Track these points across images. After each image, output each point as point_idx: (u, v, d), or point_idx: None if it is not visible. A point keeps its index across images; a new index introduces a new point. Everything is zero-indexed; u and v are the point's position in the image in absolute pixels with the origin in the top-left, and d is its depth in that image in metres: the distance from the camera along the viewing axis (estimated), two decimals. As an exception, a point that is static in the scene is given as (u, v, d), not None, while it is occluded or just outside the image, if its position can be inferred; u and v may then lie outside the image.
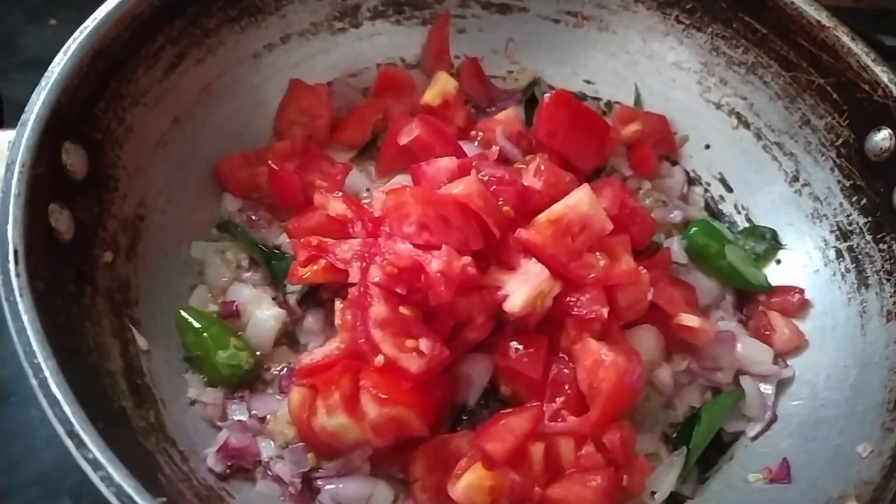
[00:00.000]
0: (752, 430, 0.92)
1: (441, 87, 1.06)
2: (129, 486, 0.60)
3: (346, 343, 0.82)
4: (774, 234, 1.02)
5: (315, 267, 0.87)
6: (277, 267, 0.94)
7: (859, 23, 1.07)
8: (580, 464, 0.83)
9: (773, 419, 0.92)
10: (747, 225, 1.04)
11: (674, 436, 0.91)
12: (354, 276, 0.84)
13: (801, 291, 0.98)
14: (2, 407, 0.97)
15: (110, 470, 0.60)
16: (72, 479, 0.92)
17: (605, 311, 0.84)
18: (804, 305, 0.97)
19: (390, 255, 0.82)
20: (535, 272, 0.84)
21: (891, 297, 0.90)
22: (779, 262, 1.01)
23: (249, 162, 0.99)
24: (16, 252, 0.68)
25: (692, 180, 1.09)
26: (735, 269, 0.99)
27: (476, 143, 1.03)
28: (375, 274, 0.82)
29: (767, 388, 0.93)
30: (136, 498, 0.60)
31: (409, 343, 0.80)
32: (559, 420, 0.83)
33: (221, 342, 0.88)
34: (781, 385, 0.94)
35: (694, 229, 1.01)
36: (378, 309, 0.81)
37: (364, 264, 0.83)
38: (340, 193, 0.94)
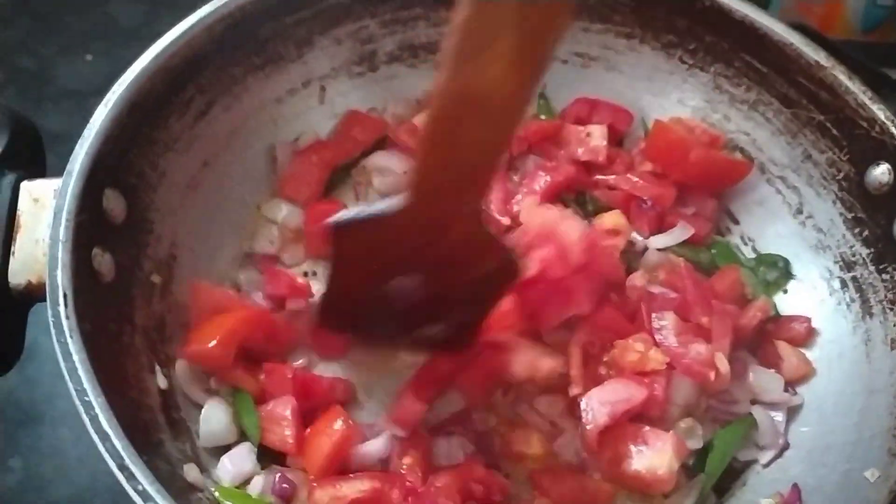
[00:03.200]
0: (765, 457, 0.93)
1: None
2: (176, 514, 0.64)
3: None
4: (787, 263, 1.04)
5: None
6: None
7: (869, 56, 1.10)
8: None
9: (786, 446, 0.93)
10: (754, 255, 1.07)
11: (691, 462, 0.92)
12: None
13: (808, 320, 1.00)
14: (34, 426, 1.00)
15: (159, 500, 0.63)
16: (103, 497, 0.96)
17: None
18: (811, 334, 0.99)
19: None
20: None
21: (894, 325, 0.92)
22: (785, 291, 1.04)
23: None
24: (65, 295, 0.72)
25: (699, 213, 1.11)
26: (745, 297, 1.01)
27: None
28: None
29: (778, 416, 0.95)
30: (184, 523, 0.63)
31: None
32: None
33: None
34: (791, 412, 0.95)
35: (713, 251, 1.04)
36: None
37: None
38: None
